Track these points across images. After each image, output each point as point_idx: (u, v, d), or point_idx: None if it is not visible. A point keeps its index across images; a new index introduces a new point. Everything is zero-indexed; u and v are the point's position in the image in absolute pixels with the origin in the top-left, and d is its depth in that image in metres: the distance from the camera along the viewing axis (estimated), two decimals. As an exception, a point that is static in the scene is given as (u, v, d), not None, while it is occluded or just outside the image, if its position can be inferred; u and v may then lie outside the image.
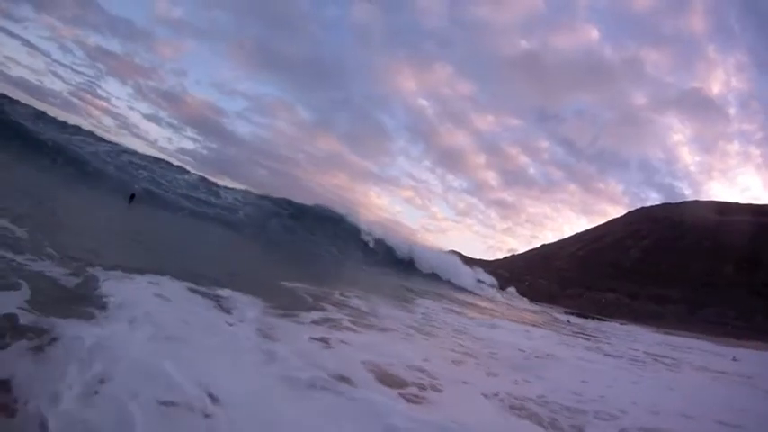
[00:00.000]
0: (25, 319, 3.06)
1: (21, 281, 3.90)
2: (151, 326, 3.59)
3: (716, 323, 66.54)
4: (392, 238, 34.63)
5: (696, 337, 41.36)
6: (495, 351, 9.22)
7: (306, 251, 21.93)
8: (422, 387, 4.92)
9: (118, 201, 15.76)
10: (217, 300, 5.70)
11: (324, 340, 5.42)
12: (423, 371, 5.65)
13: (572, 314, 45.97)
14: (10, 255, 4.72)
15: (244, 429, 2.50)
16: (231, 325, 4.87)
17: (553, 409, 5.57)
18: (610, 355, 13.57)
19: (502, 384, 6.27)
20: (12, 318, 3.03)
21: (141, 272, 5.60)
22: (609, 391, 7.54)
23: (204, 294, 5.72)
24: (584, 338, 19.34)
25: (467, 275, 40.42)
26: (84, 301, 3.90)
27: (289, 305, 6.95)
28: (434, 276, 32.49)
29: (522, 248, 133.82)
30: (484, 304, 24.79)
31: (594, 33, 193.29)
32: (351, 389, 3.68)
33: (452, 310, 15.33)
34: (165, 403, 2.51)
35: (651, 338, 30.18)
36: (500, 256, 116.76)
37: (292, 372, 3.76)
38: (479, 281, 43.25)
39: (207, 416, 2.53)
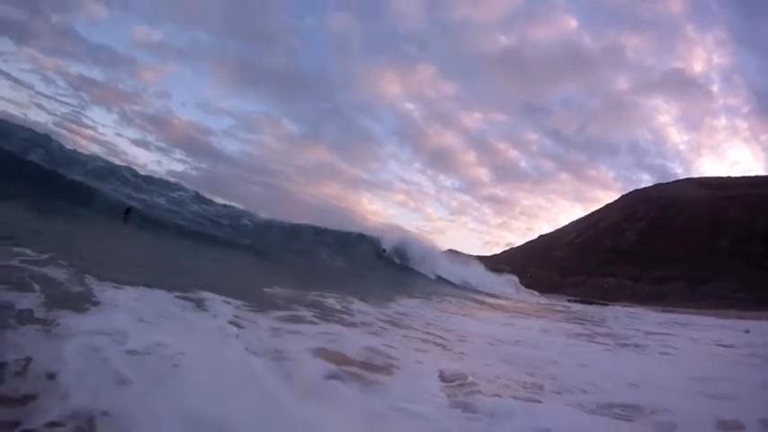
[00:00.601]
0: (38, 312, 4.19)
1: (36, 285, 5.09)
2: (133, 316, 4.69)
3: (719, 297, 67.60)
4: (413, 250, 32.70)
5: (701, 313, 42.14)
6: (468, 339, 9.24)
7: (306, 263, 21.91)
8: (367, 366, 5.30)
9: (115, 218, 16.88)
10: (198, 302, 6.61)
11: (280, 329, 6.25)
12: (376, 352, 6.09)
13: (575, 302, 46.91)
14: (32, 267, 5.92)
15: (199, 368, 3.61)
16: (205, 317, 5.86)
17: (505, 384, 5.65)
18: (598, 339, 12.99)
19: (459, 365, 6.42)
20: (29, 311, 4.19)
21: (132, 284, 6.50)
22: (581, 369, 7.55)
23: (187, 299, 6.63)
24: (578, 323, 18.89)
25: (492, 281, 38.67)
26: (83, 302, 4.98)
27: (264, 305, 7.74)
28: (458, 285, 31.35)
29: (519, 241, 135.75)
30: (489, 300, 24.54)
31: (573, 23, 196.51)
32: (287, 360, 4.66)
33: (439, 308, 14.78)
34: (140, 353, 3.63)
35: (653, 318, 30.04)
36: (498, 251, 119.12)
37: (247, 346, 4.81)
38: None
39: (172, 358, 3.65)
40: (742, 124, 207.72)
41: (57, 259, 6.69)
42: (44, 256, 6.67)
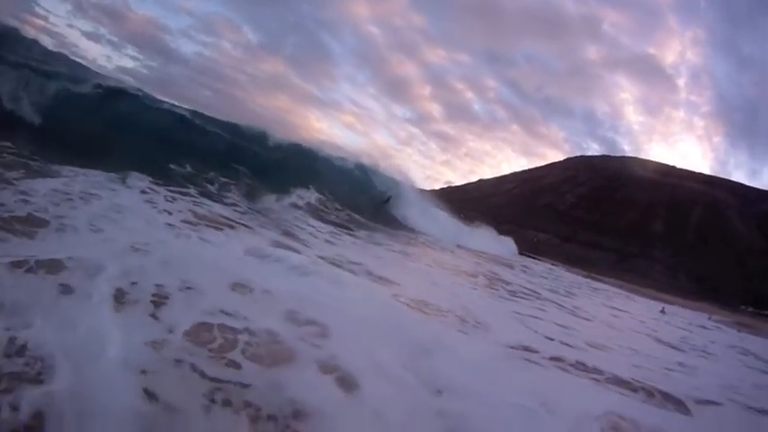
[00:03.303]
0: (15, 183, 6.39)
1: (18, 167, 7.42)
2: (81, 181, 7.79)
3: (643, 275, 72.56)
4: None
5: (619, 285, 42.86)
6: (319, 236, 10.63)
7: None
8: (211, 220, 7.81)
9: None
10: (123, 179, 9.30)
11: (169, 195, 9.07)
12: (228, 217, 8.65)
13: (506, 249, 48.04)
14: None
15: (107, 203, 6.78)
16: (123, 186, 8.74)
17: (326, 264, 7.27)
18: (478, 279, 12.29)
19: (294, 243, 8.42)
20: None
21: (85, 165, 9.17)
22: (417, 278, 8.95)
23: (119, 178, 9.28)
24: (492, 264, 18.49)
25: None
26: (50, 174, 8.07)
27: (170, 183, 10.33)
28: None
29: (459, 181, 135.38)
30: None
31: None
32: (167, 212, 7.80)
33: (325, 219, 14.35)
34: (72, 194, 6.50)
35: (570, 279, 29.98)
36: (437, 187, 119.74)
37: (146, 200, 8.06)
38: None
39: (99, 197, 6.75)
40: (699, 122, 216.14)
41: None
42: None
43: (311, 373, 3.16)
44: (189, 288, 3.98)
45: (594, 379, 4.97)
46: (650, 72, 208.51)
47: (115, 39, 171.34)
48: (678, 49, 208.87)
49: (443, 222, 26.83)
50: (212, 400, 2.49)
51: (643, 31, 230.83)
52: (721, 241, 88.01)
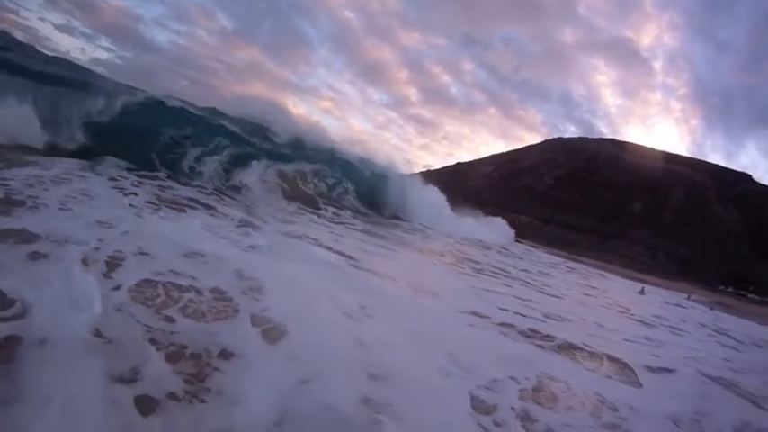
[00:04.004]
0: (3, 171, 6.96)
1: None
2: (58, 168, 8.29)
3: (622, 256, 73.76)
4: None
5: (597, 266, 42.42)
6: (284, 217, 10.95)
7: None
8: (175, 203, 8.21)
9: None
10: (93, 165, 9.92)
11: (134, 181, 9.54)
12: (195, 199, 9.17)
13: (484, 232, 48.15)
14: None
15: (77, 186, 7.31)
16: (92, 173, 9.19)
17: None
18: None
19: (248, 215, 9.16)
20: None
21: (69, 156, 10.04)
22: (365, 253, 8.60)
23: (90, 165, 9.85)
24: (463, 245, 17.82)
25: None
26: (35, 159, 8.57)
27: (141, 168, 10.84)
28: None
29: (437, 165, 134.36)
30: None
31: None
32: (133, 194, 8.37)
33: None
34: (43, 178, 7.11)
35: (549, 259, 29.73)
36: (416, 170, 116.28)
37: (113, 186, 8.55)
38: None
39: (69, 181, 7.29)
40: (676, 105, 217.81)
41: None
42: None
43: (243, 323, 3.69)
44: (143, 253, 4.59)
45: (540, 345, 5.11)
46: (627, 55, 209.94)
47: (88, 30, 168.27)
48: (655, 33, 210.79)
49: (432, 208, 25.03)
50: (141, 337, 3.06)
51: (619, 15, 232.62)
52: (701, 223, 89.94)
